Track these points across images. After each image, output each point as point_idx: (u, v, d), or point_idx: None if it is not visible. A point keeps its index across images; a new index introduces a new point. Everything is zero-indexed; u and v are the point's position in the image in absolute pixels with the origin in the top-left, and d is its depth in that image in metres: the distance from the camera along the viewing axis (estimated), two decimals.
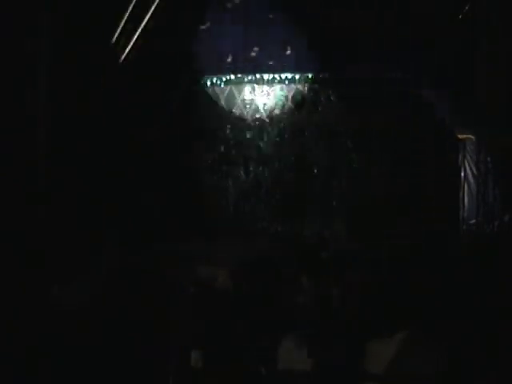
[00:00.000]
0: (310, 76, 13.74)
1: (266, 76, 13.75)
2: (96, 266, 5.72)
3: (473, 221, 12.38)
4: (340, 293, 5.60)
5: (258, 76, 13.75)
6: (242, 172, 14.06)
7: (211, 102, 13.86)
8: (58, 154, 10.33)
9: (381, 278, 6.17)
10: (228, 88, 13.80)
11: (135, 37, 11.41)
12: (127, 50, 11.48)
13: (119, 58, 11.26)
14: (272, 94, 13.92)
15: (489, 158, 11.57)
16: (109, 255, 6.18)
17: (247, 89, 13.93)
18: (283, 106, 13.98)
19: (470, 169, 12.80)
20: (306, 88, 13.90)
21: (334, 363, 4.05)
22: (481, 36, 11.11)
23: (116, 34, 11.09)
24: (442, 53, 12.28)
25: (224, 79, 13.67)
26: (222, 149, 14.05)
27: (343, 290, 5.66)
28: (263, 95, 13.96)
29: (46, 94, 9.56)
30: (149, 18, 11.27)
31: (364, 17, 11.66)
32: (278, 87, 13.85)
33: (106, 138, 11.63)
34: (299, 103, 13.86)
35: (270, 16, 13.30)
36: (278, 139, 14.04)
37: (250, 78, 13.78)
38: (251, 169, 14.08)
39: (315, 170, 13.98)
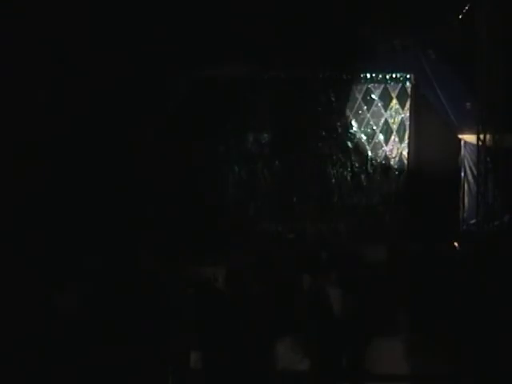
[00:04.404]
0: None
1: None
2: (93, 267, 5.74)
3: (473, 221, 12.37)
4: (341, 293, 5.60)
5: None
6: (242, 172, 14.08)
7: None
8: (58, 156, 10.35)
9: (381, 278, 6.18)
10: None
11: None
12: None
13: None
14: None
15: (489, 158, 11.56)
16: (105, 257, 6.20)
17: None
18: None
19: (470, 169, 12.81)
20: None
21: (334, 363, 4.05)
22: (481, 35, 11.11)
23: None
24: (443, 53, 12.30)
25: None
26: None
27: (344, 290, 5.66)
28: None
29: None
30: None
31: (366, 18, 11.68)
32: None
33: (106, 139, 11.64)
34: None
35: None
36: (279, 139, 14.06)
37: None
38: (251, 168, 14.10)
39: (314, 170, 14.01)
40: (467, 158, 12.94)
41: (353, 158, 13.92)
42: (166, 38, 11.61)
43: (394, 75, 13.73)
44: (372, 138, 13.87)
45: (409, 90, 13.73)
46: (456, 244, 10.33)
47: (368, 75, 13.74)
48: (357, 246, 9.93)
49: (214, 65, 12.78)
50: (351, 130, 13.91)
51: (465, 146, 12.99)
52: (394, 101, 13.80)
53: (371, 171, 13.89)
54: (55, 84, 9.94)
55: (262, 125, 14.04)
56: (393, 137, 13.84)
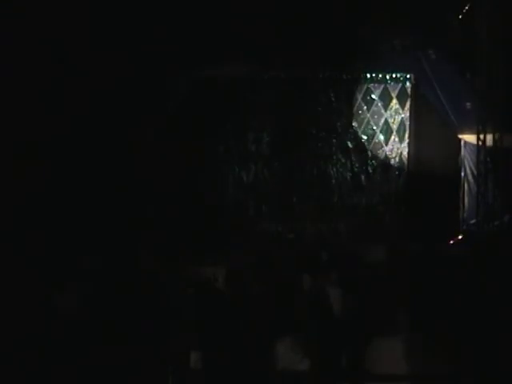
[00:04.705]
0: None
1: None
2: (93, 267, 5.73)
3: (473, 221, 12.37)
4: (341, 293, 5.60)
5: None
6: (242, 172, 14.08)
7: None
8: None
9: (381, 278, 6.18)
10: None
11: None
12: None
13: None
14: None
15: (489, 158, 11.56)
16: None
17: None
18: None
19: (470, 169, 12.81)
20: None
21: (334, 363, 4.05)
22: (481, 35, 11.12)
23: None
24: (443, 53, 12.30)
25: None
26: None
27: (344, 290, 5.66)
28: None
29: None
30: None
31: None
32: None
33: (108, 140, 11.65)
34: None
35: None
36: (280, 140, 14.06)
37: None
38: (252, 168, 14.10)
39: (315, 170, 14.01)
40: (467, 158, 12.94)
41: (353, 158, 13.91)
42: (166, 38, 11.62)
43: (394, 75, 13.74)
44: (372, 138, 13.88)
45: (409, 90, 13.74)
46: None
47: (368, 75, 13.75)
48: (357, 246, 9.94)
49: (214, 65, 12.78)
50: (351, 130, 13.91)
51: (465, 146, 13.00)
52: (394, 101, 13.81)
53: (371, 171, 13.89)
54: (55, 84, 9.95)
55: (261, 125, 14.03)
56: (393, 137, 13.85)
